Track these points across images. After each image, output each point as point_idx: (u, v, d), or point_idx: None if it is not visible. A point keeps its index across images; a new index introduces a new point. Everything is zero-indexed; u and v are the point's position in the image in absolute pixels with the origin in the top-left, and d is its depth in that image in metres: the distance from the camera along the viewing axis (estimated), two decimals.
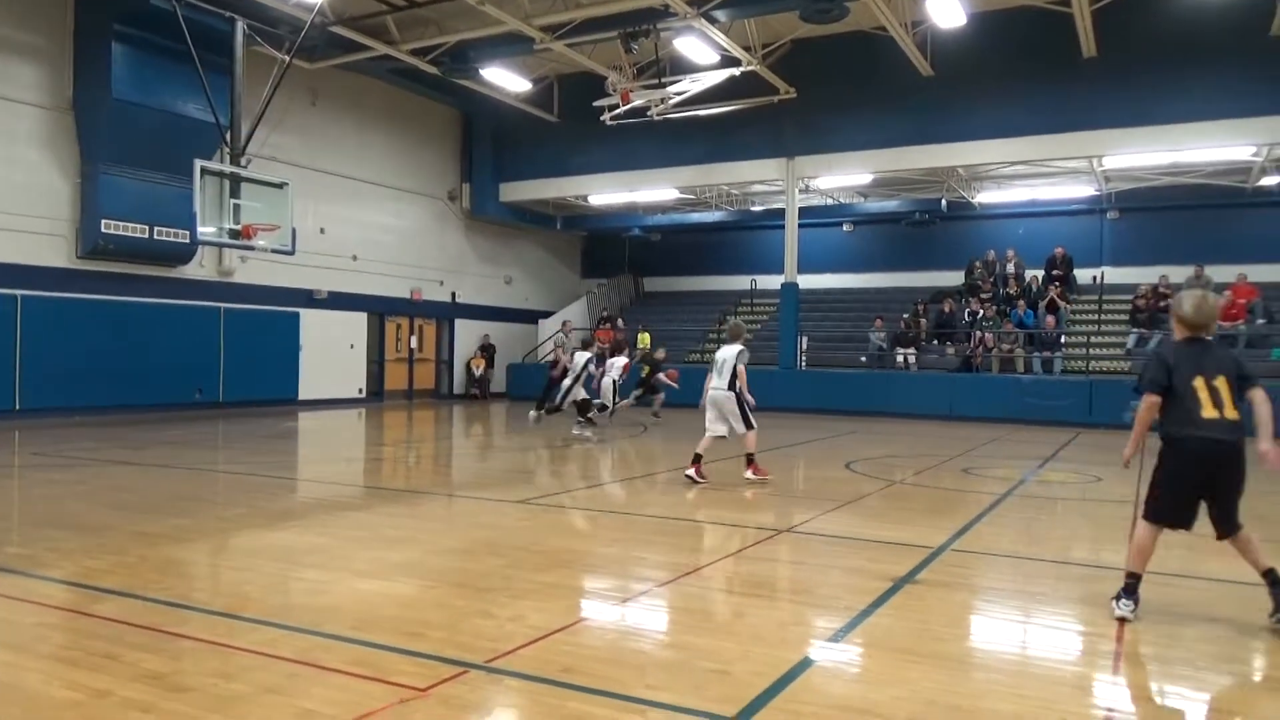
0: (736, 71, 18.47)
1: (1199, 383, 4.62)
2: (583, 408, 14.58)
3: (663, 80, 18.91)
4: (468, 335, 25.11)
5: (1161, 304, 20.69)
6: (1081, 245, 23.32)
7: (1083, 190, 22.58)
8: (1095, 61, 18.15)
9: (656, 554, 6.15)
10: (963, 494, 9.18)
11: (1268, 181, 20.51)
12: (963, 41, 18.17)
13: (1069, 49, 17.87)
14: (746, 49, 18.16)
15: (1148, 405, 4.81)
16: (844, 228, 26.48)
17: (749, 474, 9.28)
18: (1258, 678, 4.04)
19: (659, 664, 3.95)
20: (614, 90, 19.15)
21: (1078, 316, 22.00)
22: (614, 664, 3.88)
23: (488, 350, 25.19)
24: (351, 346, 21.54)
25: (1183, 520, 4.77)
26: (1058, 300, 21.35)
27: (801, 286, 21.86)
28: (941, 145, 19.61)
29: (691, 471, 9.16)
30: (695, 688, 3.62)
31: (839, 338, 22.91)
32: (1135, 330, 20.32)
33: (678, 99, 19.12)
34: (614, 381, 16.46)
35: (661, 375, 17.65)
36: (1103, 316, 21.93)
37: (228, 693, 3.44)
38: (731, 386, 9.11)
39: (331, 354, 20.87)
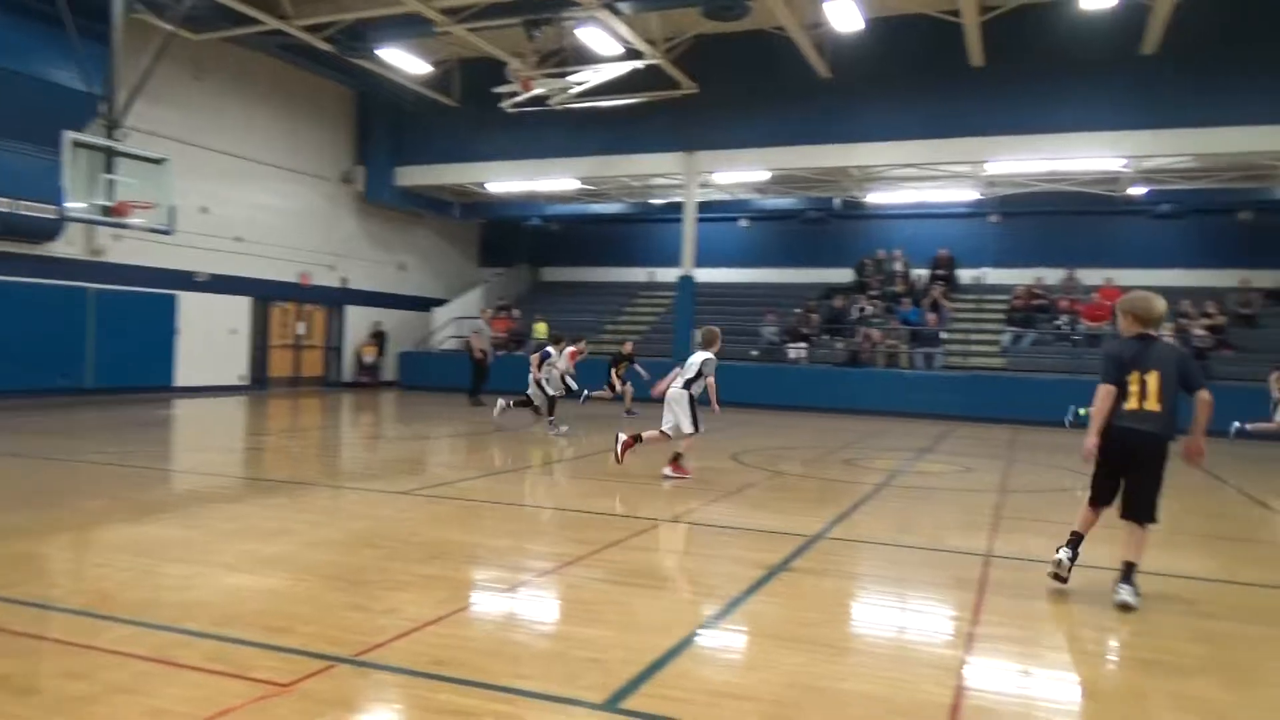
0: (639, 64, 18.52)
1: (1133, 376, 5.01)
2: (525, 402, 14.25)
3: (565, 70, 18.82)
4: (359, 322, 24.48)
5: (1035, 303, 21.81)
6: (965, 246, 24.31)
7: (967, 194, 23.49)
8: (982, 71, 18.90)
9: (541, 545, 6.14)
10: (844, 484, 9.48)
11: (1134, 191, 21.77)
12: (859, 46, 18.67)
13: (958, 58, 18.56)
14: (650, 42, 18.22)
15: (1103, 395, 5.13)
16: (741, 223, 26.90)
17: (668, 470, 9.28)
18: (1101, 654, 4.29)
19: (533, 654, 3.95)
20: (515, 78, 18.94)
21: (959, 314, 22.92)
22: (488, 655, 3.87)
23: (379, 337, 24.65)
24: (233, 331, 20.73)
25: (1101, 498, 5.19)
26: (941, 299, 22.20)
27: (698, 280, 22.10)
28: (836, 146, 20.11)
29: (669, 469, 9.22)
30: (567, 676, 3.64)
31: (733, 331, 23.21)
32: (1011, 329, 21.31)
33: (579, 89, 19.06)
34: (561, 374, 16.27)
35: (638, 368, 17.36)
36: (982, 315, 22.91)
37: (74, 693, 3.29)
38: (688, 387, 9.19)
39: (211, 339, 20.02)
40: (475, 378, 18.65)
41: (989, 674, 3.93)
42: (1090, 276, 22.47)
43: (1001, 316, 22.21)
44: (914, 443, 13.84)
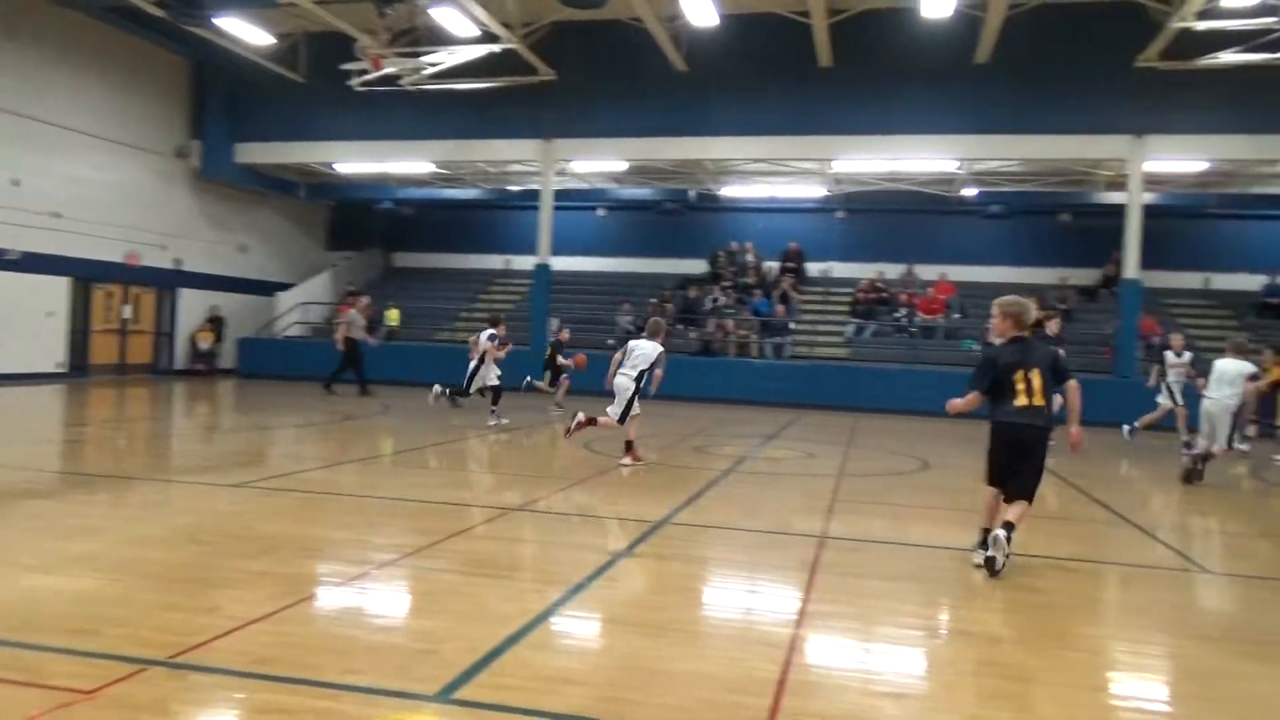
0: (496, 48, 18.23)
1: (1019, 375, 5.45)
2: (496, 395, 13.79)
3: (418, 50, 18.31)
4: (194, 306, 23.08)
5: (876, 297, 22.87)
6: (813, 241, 25.21)
7: (815, 190, 24.35)
8: (830, 72, 19.61)
9: (382, 536, 5.98)
10: (692, 470, 9.67)
11: (967, 193, 23.13)
12: (715, 41, 18.99)
13: (808, 58, 19.19)
14: (506, 26, 17.94)
15: (967, 401, 5.65)
16: (598, 212, 26.97)
17: (626, 460, 9.46)
18: (922, 627, 4.53)
19: (364, 648, 3.84)
20: (364, 55, 18.29)
21: (806, 306, 23.76)
22: (315, 651, 3.73)
23: (216, 323, 23.32)
24: (50, 314, 19.15)
25: (1000, 484, 5.66)
26: (790, 291, 22.95)
27: (555, 268, 22.04)
28: (692, 139, 20.43)
29: (627, 459, 9.41)
30: (399, 669, 3.56)
31: (589, 320, 23.33)
32: (855, 320, 22.27)
33: (433, 70, 18.60)
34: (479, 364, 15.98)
35: (564, 359, 16.72)
36: (828, 307, 23.84)
37: None
38: (639, 380, 9.41)
39: (24, 322, 18.43)
40: (343, 366, 17.93)
41: (816, 649, 4.09)
42: (927, 272, 23.74)
43: (846, 309, 23.17)
44: (761, 430, 14.27)
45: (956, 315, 22.29)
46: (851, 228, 25.50)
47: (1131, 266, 18.86)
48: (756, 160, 21.59)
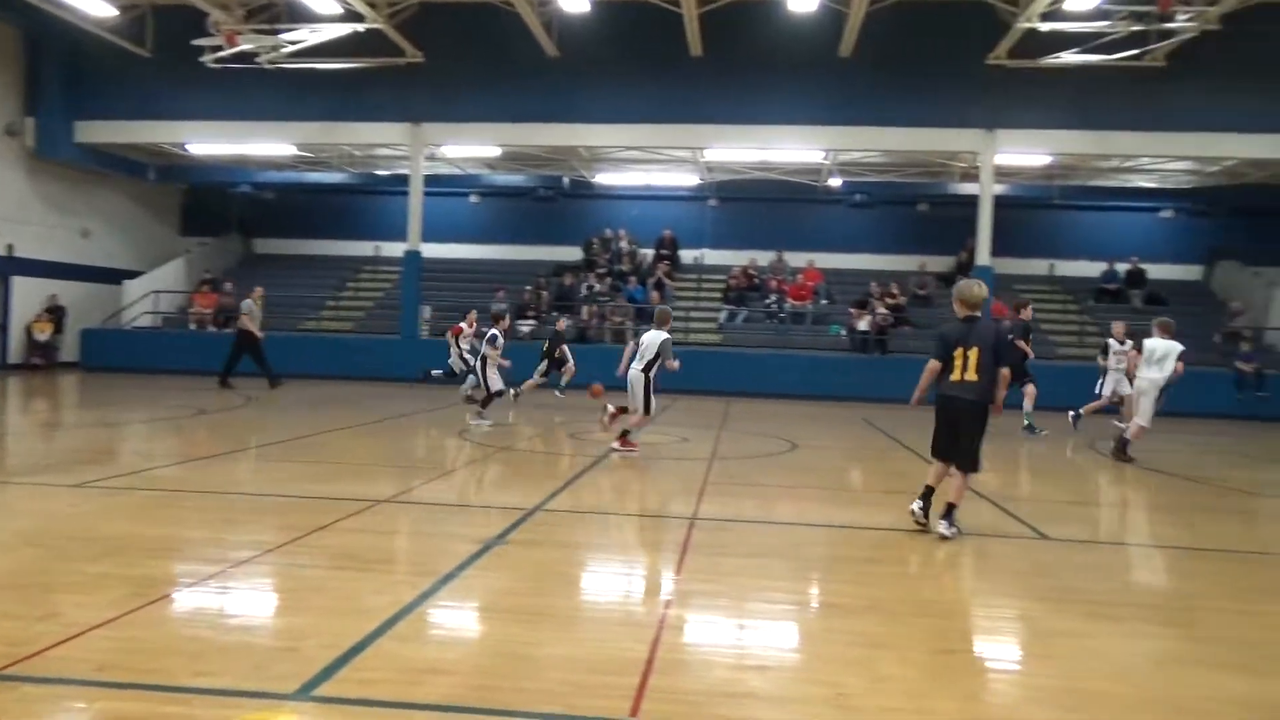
0: (360, 27, 17.63)
1: (959, 352, 5.96)
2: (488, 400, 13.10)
3: (276, 27, 17.52)
4: (30, 295, 21.44)
5: (748, 284, 23.36)
6: (686, 228, 25.53)
7: (689, 178, 24.67)
8: (701, 60, 19.85)
9: (240, 533, 5.72)
10: (568, 457, 9.67)
11: (833, 182, 23.89)
12: (586, 27, 18.93)
13: (680, 46, 19.37)
14: (371, 5, 17.37)
15: (928, 370, 6.20)
16: (471, 198, 26.52)
17: (616, 445, 9.64)
18: (784, 602, 4.66)
19: (218, 649, 3.66)
20: (217, 31, 17.37)
21: (681, 293, 24.06)
22: (164, 655, 3.54)
23: (55, 312, 21.73)
24: None
25: (942, 455, 6.20)
26: (665, 278, 23.19)
27: (426, 255, 21.57)
28: (565, 125, 20.32)
29: (617, 444, 9.60)
30: (255, 668, 3.42)
31: (463, 308, 22.93)
32: (727, 307, 22.71)
33: (293, 49, 17.83)
34: (461, 353, 15.74)
35: (566, 349, 16.12)
36: (701, 294, 24.21)
37: None
38: (647, 370, 9.53)
39: None
40: (235, 357, 17.09)
41: (685, 628, 4.15)
42: (796, 259, 24.41)
43: (719, 295, 23.58)
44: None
45: (824, 301, 23.01)
46: (723, 215, 25.94)
47: (984, 254, 19.91)
48: (630, 148, 21.69)
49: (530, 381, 15.52)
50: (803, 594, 4.81)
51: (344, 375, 19.78)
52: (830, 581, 5.14)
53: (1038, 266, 24.81)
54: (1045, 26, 16.23)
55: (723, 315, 22.50)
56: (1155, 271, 23.92)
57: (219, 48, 17.37)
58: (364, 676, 3.37)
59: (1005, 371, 6.08)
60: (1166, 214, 24.94)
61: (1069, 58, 17.39)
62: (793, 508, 7.43)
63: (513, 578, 4.85)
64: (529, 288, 22.98)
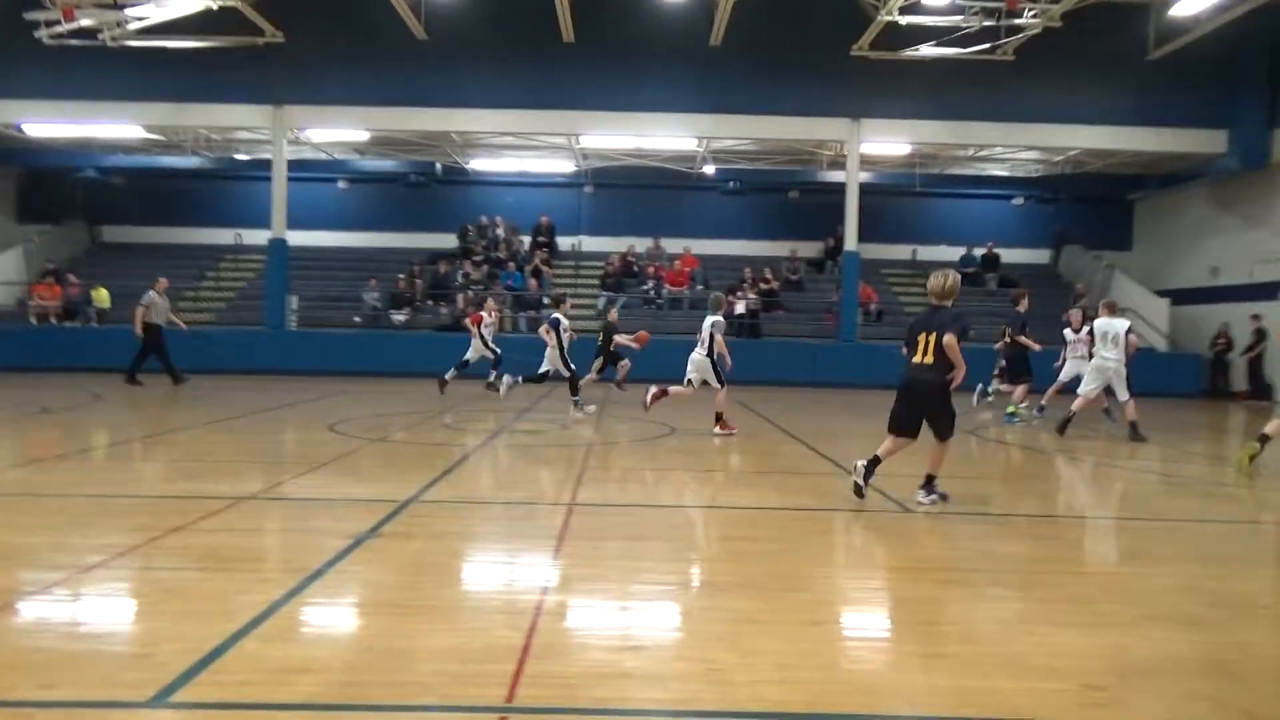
0: (213, 4, 16.73)
1: (921, 337, 6.52)
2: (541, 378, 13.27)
3: (119, 1, 16.43)
4: None
5: (626, 270, 23.47)
6: (563, 215, 25.44)
7: (565, 165, 24.57)
8: (574, 47, 19.77)
9: (87, 537, 5.38)
10: (442, 447, 9.50)
11: (708, 170, 24.24)
12: (457, 9, 18.56)
13: (552, 32, 19.22)
14: None
15: (908, 355, 6.71)
16: (339, 184, 25.67)
17: (717, 429, 10.68)
18: (657, 583, 4.73)
19: (64, 659, 3.44)
20: (53, 4, 16.17)
21: (558, 280, 23.98)
22: (3, 669, 3.30)
23: None
24: None
25: (904, 431, 6.68)
26: (542, 265, 23.06)
27: (292, 243, 20.77)
28: (436, 110, 19.91)
29: (719, 429, 10.61)
30: (106, 678, 3.24)
31: (332, 297, 22.25)
32: (605, 293, 22.76)
33: (139, 25, 16.77)
34: (486, 342, 15.61)
35: (622, 338, 15.08)
36: (579, 280, 24.19)
37: None
38: (710, 353, 10.53)
39: None
40: (143, 353, 15.98)
41: (561, 613, 4.16)
42: (673, 245, 24.69)
43: (596, 282, 23.62)
44: (515, 404, 14.28)
45: (700, 287, 23.35)
46: (600, 202, 25.98)
47: (851, 239, 20.62)
48: (504, 134, 21.42)
49: (589, 376, 15.00)
50: (678, 574, 4.89)
51: (205, 369, 18.86)
52: (704, 561, 5.24)
53: (902, 251, 25.88)
54: (905, 20, 16.86)
55: (601, 302, 22.54)
56: (1008, 255, 25.34)
57: (56, 22, 16.17)
58: (224, 680, 3.23)
59: (949, 338, 6.34)
60: (1018, 201, 26.42)
61: (927, 50, 18.13)
62: (670, 490, 7.54)
63: (385, 571, 4.75)
64: (402, 276, 22.44)
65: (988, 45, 17.72)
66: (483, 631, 3.81)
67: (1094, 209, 25.72)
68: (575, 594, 4.47)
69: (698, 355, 10.72)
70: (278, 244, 19.98)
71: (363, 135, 21.74)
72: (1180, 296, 22.68)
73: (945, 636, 3.90)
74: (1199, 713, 3.18)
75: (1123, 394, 11.13)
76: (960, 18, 16.84)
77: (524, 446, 9.94)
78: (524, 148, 23.36)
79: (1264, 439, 8.63)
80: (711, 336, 10.55)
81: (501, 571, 4.96)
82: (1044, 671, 3.49)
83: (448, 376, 15.59)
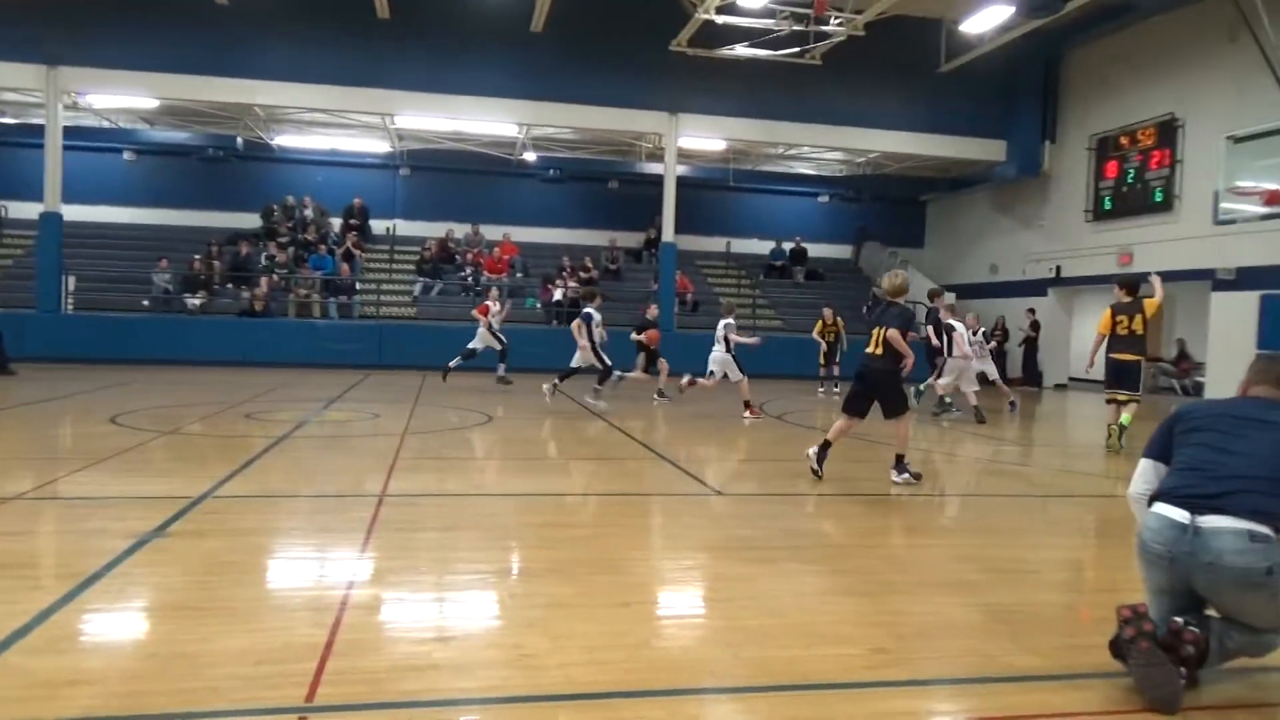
0: None
1: (874, 331, 7.37)
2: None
3: None
4: None
5: (444, 256, 22.96)
6: (377, 197, 24.56)
7: (379, 145, 23.70)
8: (389, 24, 19.08)
9: None
10: (241, 439, 8.96)
11: (528, 156, 24.06)
12: None
13: (365, 6, 18.46)
14: None
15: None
16: (125, 156, 23.63)
17: (746, 415, 11.90)
18: (468, 572, 4.66)
19: None
20: None
21: (372, 265, 23.15)
22: None
23: None
24: None
25: (854, 411, 7.50)
26: (354, 249, 22.17)
27: (69, 219, 18.92)
28: (236, 80, 18.69)
29: (748, 415, 11.87)
30: None
31: (116, 278, 20.47)
32: (422, 279, 22.19)
33: None
34: (495, 333, 15.68)
35: (641, 337, 14.16)
36: (394, 266, 23.45)
37: None
38: (729, 349, 12.12)
39: None
40: None
41: (368, 607, 4.02)
42: (492, 232, 24.37)
43: (413, 267, 22.97)
44: (323, 393, 13.67)
45: (519, 274, 23.19)
46: (417, 185, 25.29)
47: (668, 231, 21.08)
48: (312, 110, 20.38)
49: (634, 374, 14.34)
50: (491, 563, 4.83)
51: None
52: (516, 548, 5.22)
53: (716, 244, 26.73)
54: (721, 19, 17.37)
55: (417, 288, 21.96)
56: (815, 250, 26.72)
57: None
58: None
59: (892, 332, 7.20)
60: (823, 199, 27.88)
61: (742, 50, 18.78)
62: (485, 478, 7.46)
63: (174, 572, 4.43)
64: (198, 257, 20.95)
65: (798, 49, 18.57)
66: (282, 631, 3.63)
67: (891, 208, 27.54)
68: (384, 587, 4.34)
69: (718, 353, 12.17)
70: (51, 218, 18.15)
71: (151, 103, 20.08)
72: (965, 291, 24.68)
73: (748, 611, 4.07)
74: (969, 667, 3.48)
75: (968, 385, 13.24)
76: (773, 21, 17.54)
77: (332, 437, 9.54)
78: (335, 125, 22.36)
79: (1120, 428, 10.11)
80: (726, 337, 12.11)
81: (304, 568, 4.74)
82: (835, 638, 3.72)
83: (452, 365, 15.22)
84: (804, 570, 4.83)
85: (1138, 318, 10.07)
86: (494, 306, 15.93)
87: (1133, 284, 10.42)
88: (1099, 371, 10.71)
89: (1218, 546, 3.06)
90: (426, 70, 19.35)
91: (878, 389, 7.38)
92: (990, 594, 4.48)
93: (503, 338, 15.86)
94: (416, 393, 14.29)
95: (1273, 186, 15.66)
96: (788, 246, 26.28)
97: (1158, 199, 19.19)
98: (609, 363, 12.65)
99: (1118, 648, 3.22)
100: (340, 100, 19.50)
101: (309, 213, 23.06)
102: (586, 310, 12.61)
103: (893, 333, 7.17)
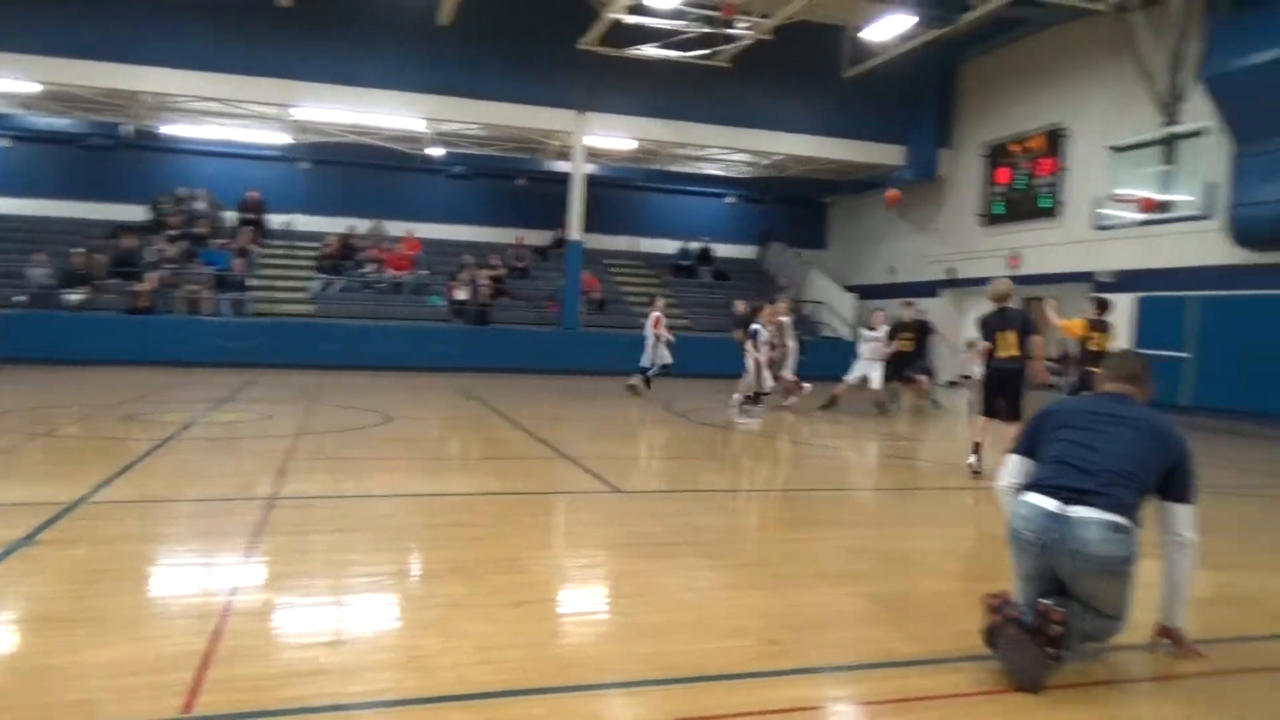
0: None
1: (998, 335, 8.02)
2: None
3: None
4: None
5: (346, 252, 22.39)
6: (275, 191, 23.73)
7: (277, 137, 22.93)
8: (289, 12, 18.50)
9: None
10: (121, 442, 8.55)
11: (434, 152, 23.65)
12: None
13: None
14: None
15: (983, 349, 8.21)
16: (1, 142, 22.28)
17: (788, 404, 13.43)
18: (352, 575, 4.55)
19: None
20: None
21: (269, 260, 22.41)
22: None
23: None
24: None
25: (989, 412, 8.16)
26: (250, 244, 21.41)
27: None
28: (123, 66, 17.78)
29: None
30: None
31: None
32: (321, 276, 21.59)
33: None
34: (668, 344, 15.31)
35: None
36: (292, 261, 22.74)
37: None
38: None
39: None
40: None
41: (254, 613, 3.89)
42: (396, 228, 23.88)
43: (312, 263, 22.33)
44: (213, 393, 13.15)
45: (424, 271, 22.80)
46: (317, 179, 24.56)
47: (576, 230, 21.02)
48: (205, 99, 19.56)
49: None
50: (386, 565, 4.73)
51: None
52: (413, 549, 5.13)
53: (624, 243, 26.79)
54: (630, 19, 17.41)
55: (316, 284, 21.35)
56: (721, 251, 27.04)
57: None
58: None
59: (1039, 338, 7.88)
60: (730, 200, 28.22)
61: (650, 51, 18.86)
62: (383, 480, 7.30)
63: (43, 582, 4.19)
64: (79, 251, 19.85)
65: (707, 51, 18.76)
66: (159, 640, 3.47)
67: (795, 210, 28.08)
68: (272, 592, 4.20)
69: (746, 359, 12.89)
70: None
71: (32, 87, 18.98)
72: (865, 291, 25.35)
73: (646, 606, 4.08)
74: (855, 654, 3.58)
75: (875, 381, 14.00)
76: (682, 23, 17.67)
77: (221, 439, 9.19)
78: (230, 115, 21.49)
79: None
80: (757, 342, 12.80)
81: (186, 575, 4.55)
82: (731, 631, 3.76)
83: (650, 376, 15.33)
84: (703, 565, 4.88)
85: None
86: (664, 317, 15.46)
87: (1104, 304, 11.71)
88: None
89: (1085, 535, 3.29)
90: (329, 61, 18.82)
91: (1013, 387, 7.95)
92: (878, 583, 4.61)
93: (668, 355, 15.42)
94: (313, 392, 13.90)
95: (1149, 195, 16.51)
96: (695, 247, 26.54)
97: (1045, 205, 20.06)
98: (771, 385, 13.26)
99: (990, 634, 3.37)
100: (236, 89, 18.79)
101: (201, 205, 22.14)
102: (754, 326, 13.27)
103: (1039, 338, 7.93)
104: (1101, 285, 17.96)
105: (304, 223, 23.95)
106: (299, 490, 6.46)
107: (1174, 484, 3.47)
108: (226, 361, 18.01)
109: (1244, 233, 14.82)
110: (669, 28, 17.84)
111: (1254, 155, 14.42)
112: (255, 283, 20.93)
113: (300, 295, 21.10)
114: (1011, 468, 3.79)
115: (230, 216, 22.52)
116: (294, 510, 5.82)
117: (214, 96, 19.20)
